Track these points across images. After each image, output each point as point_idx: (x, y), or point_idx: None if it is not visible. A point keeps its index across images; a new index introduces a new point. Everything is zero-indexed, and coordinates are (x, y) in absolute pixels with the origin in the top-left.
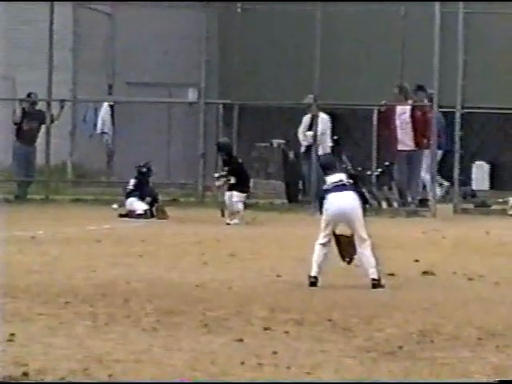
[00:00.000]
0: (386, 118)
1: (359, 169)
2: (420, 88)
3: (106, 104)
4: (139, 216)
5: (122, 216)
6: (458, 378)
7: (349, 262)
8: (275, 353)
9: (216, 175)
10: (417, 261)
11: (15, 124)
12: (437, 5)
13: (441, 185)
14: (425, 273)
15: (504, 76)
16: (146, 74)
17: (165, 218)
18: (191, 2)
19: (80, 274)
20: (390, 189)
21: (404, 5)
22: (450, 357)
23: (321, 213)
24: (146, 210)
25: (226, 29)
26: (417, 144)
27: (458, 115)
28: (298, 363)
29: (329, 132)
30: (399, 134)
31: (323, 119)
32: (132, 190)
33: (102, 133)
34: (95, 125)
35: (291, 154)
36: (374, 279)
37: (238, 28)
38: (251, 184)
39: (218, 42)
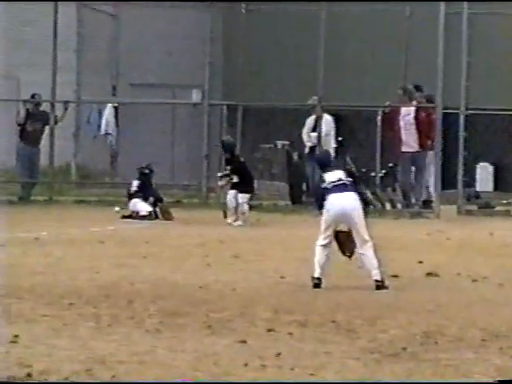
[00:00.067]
0: (390, 119)
1: (363, 170)
2: (417, 88)
3: (109, 105)
4: (143, 217)
5: (125, 217)
6: (461, 380)
7: (349, 257)
8: (279, 354)
9: (219, 174)
10: (421, 262)
11: (19, 125)
12: (441, 5)
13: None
14: (429, 274)
15: (508, 77)
16: (150, 75)
17: (170, 219)
18: (195, 2)
19: (84, 276)
20: (394, 190)
21: (409, 5)
22: (454, 358)
23: (319, 210)
24: (150, 212)
25: (230, 30)
26: (421, 145)
27: (461, 117)
28: (301, 364)
29: (333, 133)
30: (403, 135)
31: (327, 120)
32: (135, 192)
33: (106, 134)
34: (99, 126)
35: (295, 156)
36: (377, 280)
37: (242, 29)
38: (255, 185)
39: (222, 43)
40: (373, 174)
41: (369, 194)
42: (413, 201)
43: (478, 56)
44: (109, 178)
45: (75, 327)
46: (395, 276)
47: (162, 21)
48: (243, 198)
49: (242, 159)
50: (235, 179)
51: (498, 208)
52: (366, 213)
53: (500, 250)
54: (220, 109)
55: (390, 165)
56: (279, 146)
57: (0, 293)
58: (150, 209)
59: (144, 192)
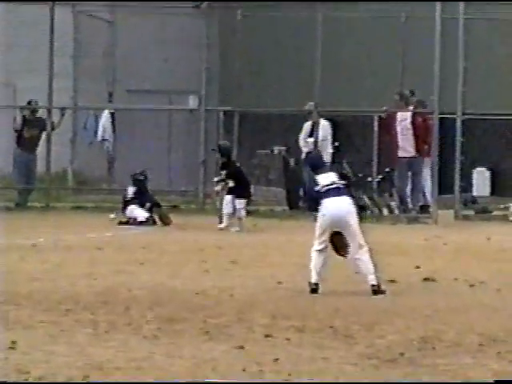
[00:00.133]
0: (387, 124)
1: (360, 175)
2: (410, 93)
3: (106, 111)
4: (141, 223)
5: (122, 223)
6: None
7: (344, 256)
8: (276, 360)
9: (215, 179)
10: (418, 267)
11: (16, 131)
12: (437, 11)
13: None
14: (426, 279)
15: (504, 82)
16: (147, 81)
17: (168, 223)
18: (191, 8)
19: (81, 282)
20: (391, 195)
21: (404, 11)
22: (452, 363)
23: (313, 212)
24: (147, 218)
25: (227, 35)
26: (417, 150)
27: (458, 121)
28: (299, 370)
29: (330, 138)
30: (400, 140)
31: (324, 126)
32: (132, 198)
33: (103, 140)
34: (96, 132)
35: (292, 161)
36: (373, 285)
37: (238, 35)
38: (252, 190)
39: (219, 49)
40: (370, 179)
41: (366, 200)
42: (410, 206)
43: (474, 61)
44: (106, 184)
45: (72, 333)
46: (392, 281)
47: (158, 27)
48: (240, 203)
49: (237, 164)
50: (231, 184)
51: (495, 213)
52: (361, 218)
53: (497, 255)
54: (216, 114)
55: (387, 170)
56: (276, 152)
57: None
58: (147, 215)
59: (140, 198)
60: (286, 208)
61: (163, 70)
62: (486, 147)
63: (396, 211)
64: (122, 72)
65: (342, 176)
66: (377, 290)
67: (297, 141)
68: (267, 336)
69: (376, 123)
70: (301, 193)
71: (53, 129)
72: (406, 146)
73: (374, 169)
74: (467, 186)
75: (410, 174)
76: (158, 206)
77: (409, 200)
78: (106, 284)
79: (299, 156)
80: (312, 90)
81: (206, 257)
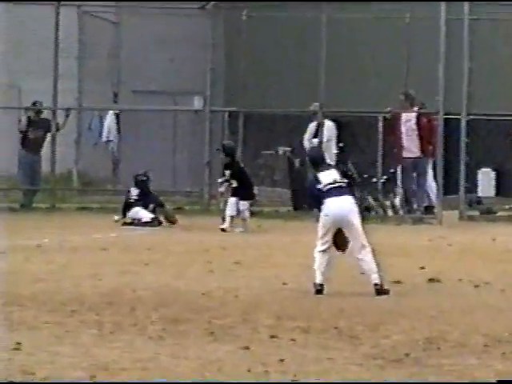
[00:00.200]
0: (392, 125)
1: (365, 176)
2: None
3: (111, 112)
4: (146, 224)
5: (126, 224)
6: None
7: (343, 251)
8: (282, 360)
9: (219, 180)
10: (423, 268)
11: (21, 132)
12: (442, 11)
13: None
14: (431, 280)
15: (509, 82)
16: (152, 81)
17: (174, 222)
18: (197, 9)
19: (86, 283)
20: (395, 196)
21: (409, 11)
22: (457, 364)
23: (317, 209)
24: (153, 218)
25: (232, 36)
26: (422, 151)
27: (463, 122)
28: (304, 371)
29: (334, 139)
30: (405, 141)
31: (329, 126)
32: (136, 200)
33: (108, 141)
34: (100, 133)
35: (297, 162)
36: (376, 284)
37: (243, 35)
38: (256, 191)
39: (224, 50)
40: (374, 179)
41: (371, 200)
42: (414, 207)
43: (479, 62)
44: (111, 185)
45: (78, 334)
46: (397, 282)
47: (163, 28)
48: (244, 204)
49: (241, 164)
50: (234, 184)
51: (499, 213)
52: (364, 218)
53: (502, 256)
54: (221, 115)
55: (392, 170)
56: (281, 153)
57: (2, 300)
58: (152, 215)
59: (144, 200)
60: (291, 209)
61: (168, 71)
62: (491, 148)
63: (401, 212)
64: (126, 73)
65: (343, 174)
66: (380, 289)
67: (302, 141)
68: (272, 337)
69: (381, 124)
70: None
71: (57, 130)
72: (410, 147)
73: (379, 169)
74: (472, 186)
75: (414, 174)
76: (162, 205)
77: (413, 200)
78: (111, 285)
79: (304, 157)
80: (317, 90)
81: (211, 257)
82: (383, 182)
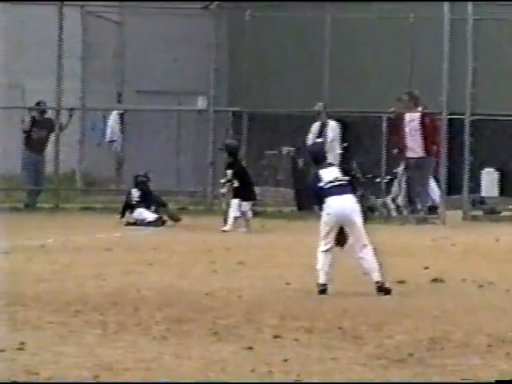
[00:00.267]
0: (396, 125)
1: (369, 176)
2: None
3: (114, 112)
4: (150, 224)
5: (129, 224)
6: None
7: (342, 246)
8: (285, 360)
9: (222, 181)
10: (426, 268)
11: (24, 132)
12: (446, 11)
13: None
14: (434, 280)
15: None
16: (156, 81)
17: (178, 220)
18: (200, 9)
19: (90, 283)
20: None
21: (412, 11)
22: (460, 364)
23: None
24: (156, 218)
25: (236, 36)
26: (426, 151)
27: (467, 122)
28: (308, 371)
29: (338, 139)
30: (408, 141)
31: (333, 126)
32: (138, 202)
33: (111, 141)
34: (104, 133)
35: (300, 162)
36: (377, 282)
37: (247, 35)
38: (258, 191)
39: (228, 50)
40: (378, 179)
41: (374, 200)
42: (418, 207)
43: (483, 62)
44: (114, 185)
45: (82, 334)
46: (401, 282)
47: (167, 28)
48: (246, 205)
49: (243, 164)
50: (236, 183)
51: (503, 213)
52: (366, 217)
53: (506, 256)
54: (225, 115)
55: (395, 170)
56: (284, 153)
57: (6, 300)
58: (155, 215)
59: (146, 201)
60: (295, 209)
61: (172, 71)
62: (495, 148)
63: (404, 212)
64: (130, 73)
65: (344, 171)
66: (381, 287)
67: (305, 141)
68: (276, 337)
69: (385, 124)
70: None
71: (61, 130)
72: (414, 147)
73: (383, 169)
74: (476, 186)
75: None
76: (164, 205)
77: (417, 200)
78: (114, 285)
79: (307, 157)
80: (320, 90)
81: (215, 258)
82: (387, 182)
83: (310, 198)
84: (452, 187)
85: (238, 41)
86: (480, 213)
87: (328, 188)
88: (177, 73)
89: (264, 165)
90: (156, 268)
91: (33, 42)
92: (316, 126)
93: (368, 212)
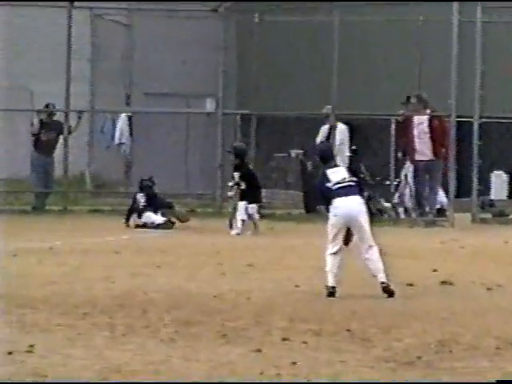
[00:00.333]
0: (404, 127)
1: (378, 178)
2: (410, 98)
3: (123, 114)
4: (159, 226)
5: (139, 227)
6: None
7: (347, 245)
8: (294, 363)
9: (230, 184)
10: (435, 270)
11: (33, 135)
12: (455, 14)
13: None
14: (443, 282)
15: None
16: (164, 84)
17: (186, 220)
18: (209, 11)
19: (98, 285)
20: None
21: (421, 14)
22: (469, 366)
23: (326, 209)
24: (166, 220)
25: (244, 38)
26: (435, 154)
27: (476, 125)
28: (316, 373)
29: (347, 142)
30: (417, 143)
31: (341, 129)
32: (145, 206)
33: (120, 143)
34: (113, 135)
35: (309, 165)
36: (383, 282)
37: (255, 37)
38: (266, 193)
39: (236, 52)
40: (387, 182)
41: (383, 203)
42: (427, 209)
43: (491, 64)
44: (123, 188)
45: (90, 337)
46: (410, 284)
47: (176, 30)
48: (253, 208)
49: (250, 166)
50: (243, 186)
51: None
52: (373, 219)
53: None
54: (234, 118)
55: (404, 173)
56: (293, 155)
57: (15, 302)
58: (164, 218)
59: (152, 205)
60: (303, 211)
61: (181, 73)
62: (504, 150)
63: (413, 214)
64: (139, 75)
65: (352, 172)
66: (386, 288)
67: (314, 144)
68: (284, 339)
69: (393, 126)
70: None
71: (70, 132)
72: (423, 149)
73: (392, 172)
74: (485, 189)
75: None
76: (171, 207)
77: (426, 203)
78: (123, 287)
79: (316, 159)
80: (329, 93)
81: (223, 260)
82: (396, 185)
83: (318, 198)
84: (461, 190)
85: (247, 43)
86: (489, 215)
87: (335, 189)
88: (185, 75)
89: (273, 167)
90: (164, 270)
91: (41, 44)
92: (325, 129)
93: (377, 214)
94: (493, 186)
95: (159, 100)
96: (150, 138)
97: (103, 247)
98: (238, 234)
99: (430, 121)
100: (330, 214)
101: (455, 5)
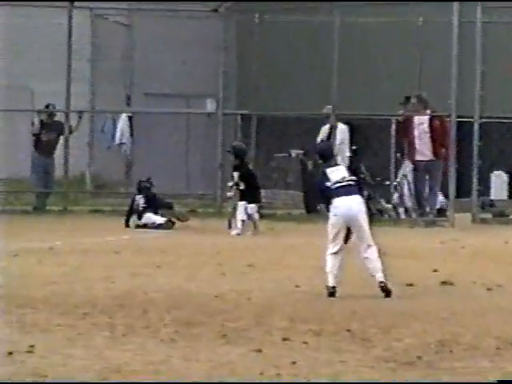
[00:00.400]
0: (405, 128)
1: (378, 179)
2: (408, 99)
3: (124, 115)
4: (159, 226)
5: (139, 227)
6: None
7: (346, 242)
8: (294, 363)
9: (229, 184)
10: (435, 271)
11: (34, 135)
12: (455, 14)
13: None
14: (443, 283)
15: None
16: (164, 84)
17: (186, 220)
18: (209, 11)
19: (98, 285)
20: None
21: (421, 14)
22: (469, 366)
23: (326, 208)
24: (166, 221)
25: (244, 39)
26: (435, 154)
27: (476, 125)
28: (316, 373)
29: (347, 142)
30: (417, 144)
31: (342, 129)
32: (144, 208)
33: (121, 143)
34: (113, 136)
35: (310, 164)
36: (381, 282)
37: (256, 38)
38: (266, 193)
39: (236, 52)
40: (387, 182)
41: (383, 203)
42: (427, 209)
43: (491, 64)
44: (123, 188)
45: (90, 337)
46: (410, 285)
47: (176, 30)
48: (252, 208)
49: (250, 166)
50: (242, 186)
51: None
52: (372, 219)
53: None
54: (234, 118)
55: (405, 173)
56: (293, 155)
57: (15, 302)
58: (164, 218)
59: (152, 206)
60: (304, 211)
61: (181, 73)
62: (504, 150)
63: (413, 215)
64: (139, 75)
65: (352, 171)
66: (384, 287)
67: (314, 144)
68: (285, 339)
69: (393, 127)
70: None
71: (70, 132)
72: (423, 150)
73: (392, 172)
74: (485, 189)
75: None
76: (170, 207)
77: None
78: (123, 287)
79: (317, 159)
80: (329, 93)
81: (223, 260)
82: (395, 185)
83: (318, 197)
84: (461, 190)
85: (247, 43)
86: (489, 215)
87: (335, 188)
88: (186, 75)
89: (273, 167)
90: (164, 270)
91: (41, 44)
92: (325, 129)
93: (377, 214)
94: (493, 186)
95: (159, 100)
96: (151, 138)
97: (103, 247)
98: (239, 234)
99: (431, 121)
100: (330, 214)
101: (455, 5)
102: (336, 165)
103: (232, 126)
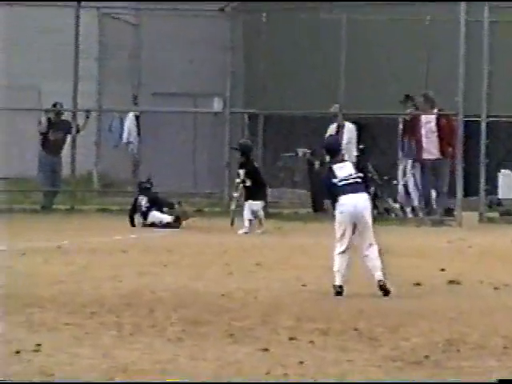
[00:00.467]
0: (412, 126)
1: (385, 178)
2: (408, 97)
3: (131, 114)
4: (167, 225)
5: (147, 226)
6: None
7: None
8: (301, 362)
9: (237, 181)
10: (443, 270)
11: (41, 134)
12: (462, 13)
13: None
14: (451, 282)
15: None
16: (172, 83)
17: (186, 219)
18: (216, 11)
19: (106, 284)
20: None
21: (429, 13)
22: (477, 366)
23: (332, 205)
24: (174, 219)
25: (251, 38)
26: (442, 153)
27: (483, 124)
28: (323, 373)
29: (355, 141)
30: (424, 142)
31: (349, 128)
32: (148, 208)
33: (128, 142)
34: (121, 135)
35: (317, 164)
36: (380, 281)
37: (263, 37)
38: (273, 193)
39: (243, 52)
40: (395, 181)
41: (391, 202)
42: (434, 208)
43: (499, 64)
44: (131, 187)
45: (97, 336)
46: (417, 284)
47: (183, 29)
48: (258, 205)
49: (256, 164)
50: (248, 183)
51: None
52: (375, 218)
53: None
54: (241, 117)
55: (412, 172)
56: (300, 154)
57: (23, 301)
58: (172, 216)
59: (155, 205)
60: (311, 210)
61: (188, 72)
62: (511, 149)
63: (420, 214)
64: (147, 75)
65: (358, 169)
66: (383, 286)
67: (321, 143)
68: (292, 339)
69: (401, 125)
70: None
71: (78, 131)
72: (430, 148)
73: (399, 171)
74: (492, 188)
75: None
76: (172, 207)
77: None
78: (130, 286)
79: (324, 158)
80: (336, 92)
81: (230, 259)
82: (403, 184)
83: (324, 194)
84: (468, 189)
85: (254, 42)
86: (496, 214)
87: (341, 186)
88: (193, 74)
89: (280, 166)
90: (171, 269)
91: (49, 43)
92: (333, 128)
93: (383, 213)
94: (500, 185)
95: (167, 99)
96: (158, 137)
97: (111, 246)
98: (246, 233)
99: (438, 120)
100: (336, 212)
101: (462, 4)
102: (343, 161)
103: (239, 125)
